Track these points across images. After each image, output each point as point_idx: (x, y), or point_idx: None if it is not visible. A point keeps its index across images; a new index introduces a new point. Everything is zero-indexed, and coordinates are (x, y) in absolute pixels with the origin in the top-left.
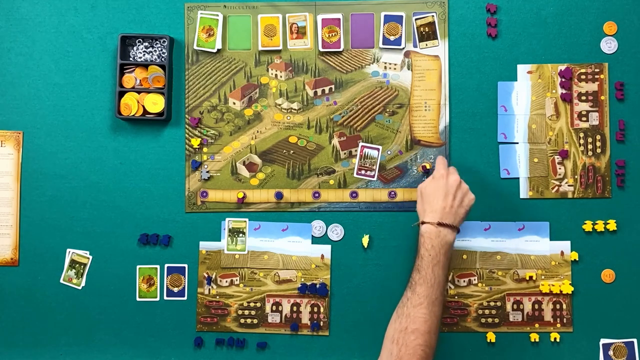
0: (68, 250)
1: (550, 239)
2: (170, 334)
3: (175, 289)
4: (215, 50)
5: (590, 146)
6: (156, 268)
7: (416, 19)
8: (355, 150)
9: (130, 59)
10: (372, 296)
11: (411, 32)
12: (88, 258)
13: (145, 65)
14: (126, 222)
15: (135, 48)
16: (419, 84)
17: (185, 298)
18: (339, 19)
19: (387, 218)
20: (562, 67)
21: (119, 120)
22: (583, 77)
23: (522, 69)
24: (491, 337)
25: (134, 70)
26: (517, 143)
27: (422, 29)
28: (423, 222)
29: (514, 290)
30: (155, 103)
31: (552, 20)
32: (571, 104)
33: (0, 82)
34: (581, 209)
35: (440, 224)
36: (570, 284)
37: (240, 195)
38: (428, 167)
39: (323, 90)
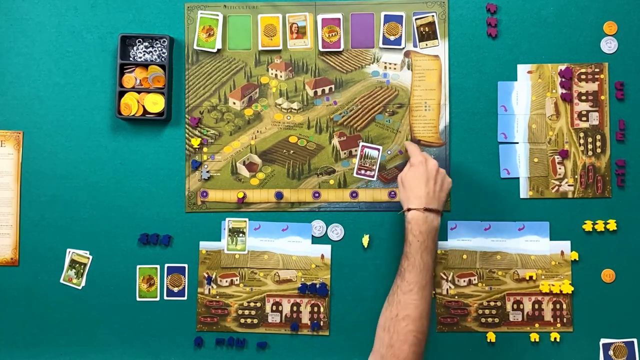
0: (68, 250)
1: (550, 239)
2: (170, 334)
3: (175, 289)
4: (215, 50)
5: (590, 146)
6: (156, 268)
7: (416, 19)
8: (355, 150)
9: (130, 59)
10: (372, 296)
11: (411, 32)
12: (88, 258)
13: (145, 65)
14: (126, 222)
15: (135, 48)
16: (419, 83)
17: (185, 298)
18: (339, 19)
19: (387, 218)
20: (562, 67)
21: (119, 120)
22: (583, 77)
23: (522, 69)
24: (491, 337)
25: (134, 70)
26: (517, 143)
27: (422, 28)
28: (409, 209)
29: (514, 290)
30: (155, 103)
31: (552, 20)
32: (571, 103)
33: (0, 82)
34: (581, 209)
35: (426, 209)
36: (570, 283)
37: (240, 195)
38: None
39: (323, 90)
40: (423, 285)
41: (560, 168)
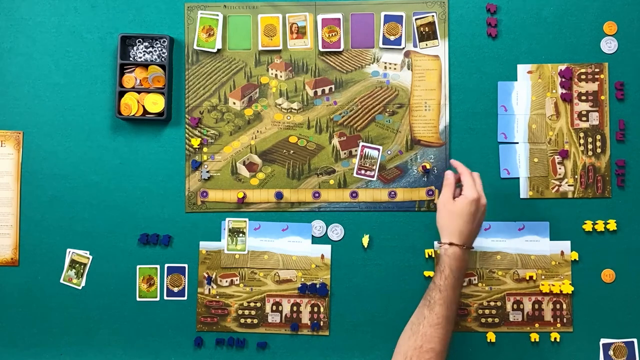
0: (68, 250)
1: (550, 239)
2: (170, 334)
3: (175, 289)
4: (215, 50)
5: (590, 146)
6: (156, 268)
7: (416, 19)
8: (356, 150)
9: (130, 59)
10: (372, 296)
11: (411, 32)
12: (88, 258)
13: (145, 65)
14: (126, 222)
15: (135, 48)
16: (419, 83)
17: (185, 298)
18: (339, 19)
19: (387, 218)
20: (562, 67)
21: (119, 120)
22: (583, 77)
23: (522, 69)
24: (491, 337)
25: (134, 70)
26: (517, 143)
27: (422, 28)
28: (451, 244)
29: (514, 290)
30: (155, 103)
31: (552, 20)
32: (571, 103)
33: (0, 82)
34: (581, 209)
35: (467, 247)
36: (570, 284)
37: (240, 195)
38: (428, 167)
39: (323, 90)
40: (450, 320)
41: (560, 168)
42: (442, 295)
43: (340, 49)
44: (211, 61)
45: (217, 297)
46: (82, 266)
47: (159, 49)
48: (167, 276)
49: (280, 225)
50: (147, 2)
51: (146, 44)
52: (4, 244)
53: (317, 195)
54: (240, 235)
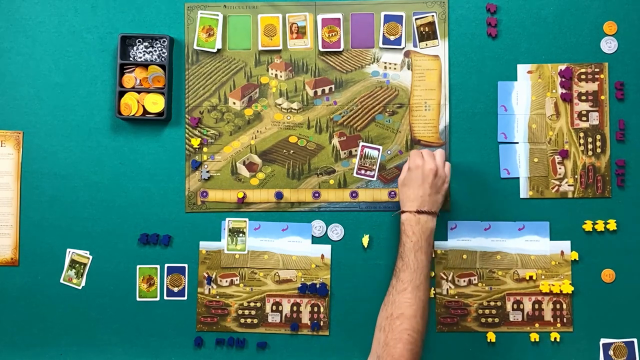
0: (68, 250)
1: (550, 239)
2: (170, 334)
3: (175, 289)
4: (215, 50)
5: (590, 146)
6: (156, 268)
7: (416, 19)
8: (355, 150)
9: (130, 59)
10: (372, 296)
11: (411, 32)
12: (88, 258)
13: (145, 65)
14: (126, 222)
15: (135, 48)
16: (419, 83)
17: (185, 298)
18: (339, 19)
19: (387, 218)
20: (562, 67)
21: (119, 120)
22: (583, 77)
23: (522, 69)
24: (491, 337)
25: (134, 70)
26: (517, 143)
27: (422, 28)
28: (403, 212)
29: (514, 290)
30: (155, 103)
31: (552, 20)
32: (571, 103)
33: (0, 82)
34: (581, 209)
35: (419, 212)
36: (570, 283)
37: (240, 195)
38: None
39: (323, 90)
40: (417, 285)
41: (560, 168)
42: (405, 262)
43: (340, 49)
44: (211, 61)
45: (217, 297)
46: (82, 266)
47: (159, 49)
48: (167, 276)
49: (280, 225)
50: (147, 2)
51: (146, 44)
52: (4, 244)
53: (317, 195)
54: (240, 235)
